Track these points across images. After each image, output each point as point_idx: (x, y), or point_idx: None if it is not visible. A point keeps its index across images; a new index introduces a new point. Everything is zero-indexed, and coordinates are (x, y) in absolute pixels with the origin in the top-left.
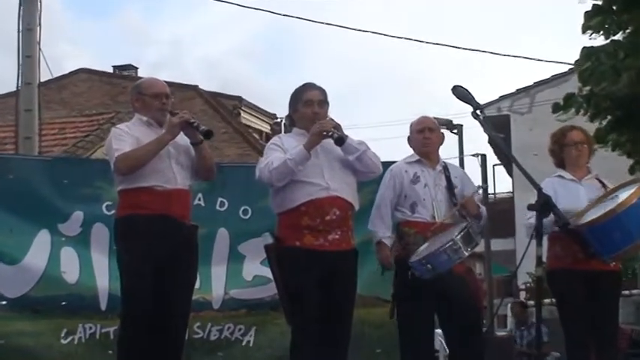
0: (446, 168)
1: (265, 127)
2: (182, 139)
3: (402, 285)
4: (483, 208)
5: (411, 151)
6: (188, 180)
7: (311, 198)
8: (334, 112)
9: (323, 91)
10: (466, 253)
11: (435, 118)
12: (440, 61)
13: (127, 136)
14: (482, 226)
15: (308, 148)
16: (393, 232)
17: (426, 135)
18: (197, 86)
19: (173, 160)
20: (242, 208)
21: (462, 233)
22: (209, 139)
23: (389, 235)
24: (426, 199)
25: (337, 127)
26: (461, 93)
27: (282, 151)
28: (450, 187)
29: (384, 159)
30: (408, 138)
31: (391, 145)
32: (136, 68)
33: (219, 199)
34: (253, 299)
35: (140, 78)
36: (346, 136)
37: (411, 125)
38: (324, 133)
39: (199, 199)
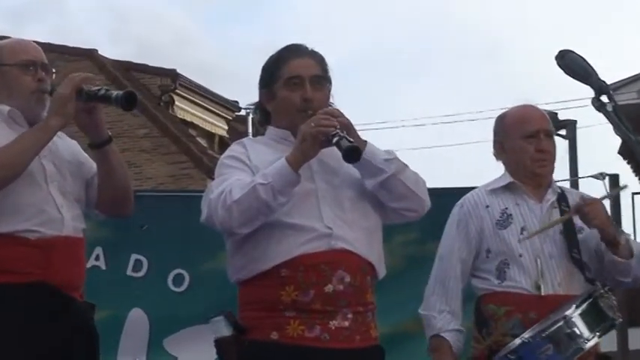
0: (562, 198)
1: (220, 126)
2: (66, 146)
3: None
4: (636, 243)
5: (494, 169)
6: (81, 221)
7: (299, 253)
8: (343, 100)
9: (320, 59)
10: (590, 342)
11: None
12: (535, 10)
13: None
14: (631, 276)
15: (295, 164)
16: (469, 320)
17: (541, 145)
18: (95, 51)
19: (54, 185)
20: (173, 272)
21: (584, 306)
22: (131, 109)
23: (457, 328)
24: (524, 255)
25: (346, 125)
26: (572, 63)
27: (248, 169)
28: (570, 231)
29: (433, 182)
30: (497, 145)
31: (450, 157)
32: None
33: (134, 256)
34: None
35: None
36: (364, 142)
37: (501, 120)
38: (323, 136)
39: (97, 258)
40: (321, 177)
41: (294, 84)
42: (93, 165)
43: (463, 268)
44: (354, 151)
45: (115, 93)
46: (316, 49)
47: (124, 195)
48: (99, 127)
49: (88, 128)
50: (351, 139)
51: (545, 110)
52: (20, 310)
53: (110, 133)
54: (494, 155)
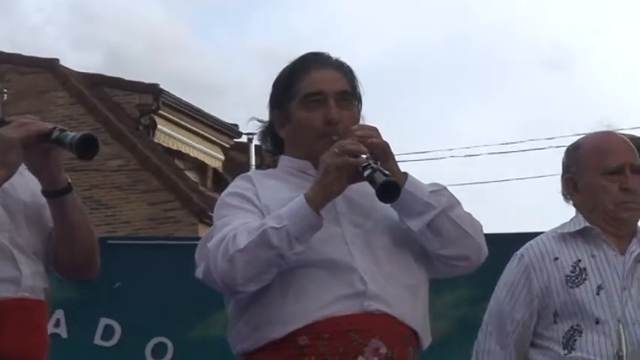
0: None
1: (214, 156)
2: (26, 185)
3: None
4: None
5: (563, 212)
6: (43, 279)
7: (322, 316)
8: (374, 124)
9: (347, 71)
10: None
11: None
12: (616, 14)
13: None
14: None
15: (316, 203)
16: None
17: (627, 183)
18: (56, 62)
19: (4, 235)
20: (153, 341)
21: None
22: (90, 157)
23: None
24: (602, 319)
25: (383, 148)
26: None
27: (256, 210)
28: None
29: (489, 227)
30: (569, 182)
31: (511, 195)
32: None
33: (103, 321)
34: None
35: None
36: (404, 174)
37: (574, 151)
38: (351, 167)
39: (57, 323)
40: (349, 219)
41: (315, 102)
42: None
43: (521, 333)
44: (392, 188)
45: (70, 136)
46: (342, 59)
47: (87, 257)
48: (54, 172)
49: (40, 172)
50: (387, 172)
51: (629, 136)
52: None
53: (70, 180)
54: (563, 195)
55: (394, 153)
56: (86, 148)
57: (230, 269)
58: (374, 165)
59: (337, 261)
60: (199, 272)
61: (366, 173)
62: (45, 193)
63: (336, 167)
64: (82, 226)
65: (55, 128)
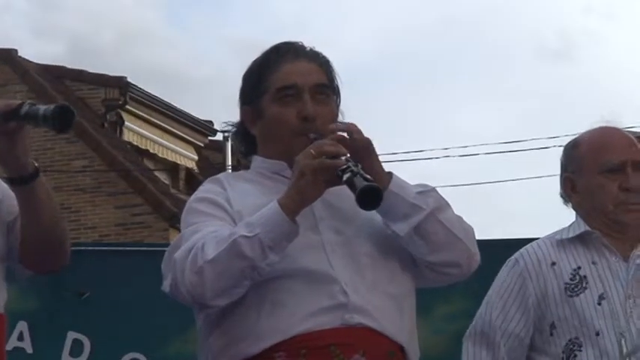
0: None
1: (187, 155)
2: None
3: None
4: None
5: (566, 216)
6: (2, 286)
7: (300, 331)
8: (358, 121)
9: (323, 63)
10: None
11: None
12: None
13: None
14: None
15: (291, 209)
16: None
17: (628, 182)
18: (14, 52)
19: None
20: (127, 357)
21: None
22: (66, 130)
23: None
24: (604, 333)
25: (366, 146)
26: None
27: (227, 217)
28: None
29: (486, 231)
30: (567, 182)
31: (509, 197)
32: None
33: (71, 335)
34: None
35: None
36: (388, 174)
37: (572, 149)
38: (329, 170)
39: (20, 337)
40: (328, 226)
41: (289, 96)
42: (15, 201)
43: (514, 347)
44: (373, 194)
45: (42, 108)
46: (318, 49)
47: (57, 240)
48: (22, 156)
49: (6, 158)
50: (368, 176)
51: (635, 134)
52: None
53: (37, 164)
54: (562, 196)
55: (381, 152)
56: (63, 119)
57: (198, 282)
58: (354, 168)
59: (316, 271)
60: (166, 285)
61: (345, 177)
62: (11, 180)
63: (312, 170)
64: (50, 206)
65: (23, 103)
